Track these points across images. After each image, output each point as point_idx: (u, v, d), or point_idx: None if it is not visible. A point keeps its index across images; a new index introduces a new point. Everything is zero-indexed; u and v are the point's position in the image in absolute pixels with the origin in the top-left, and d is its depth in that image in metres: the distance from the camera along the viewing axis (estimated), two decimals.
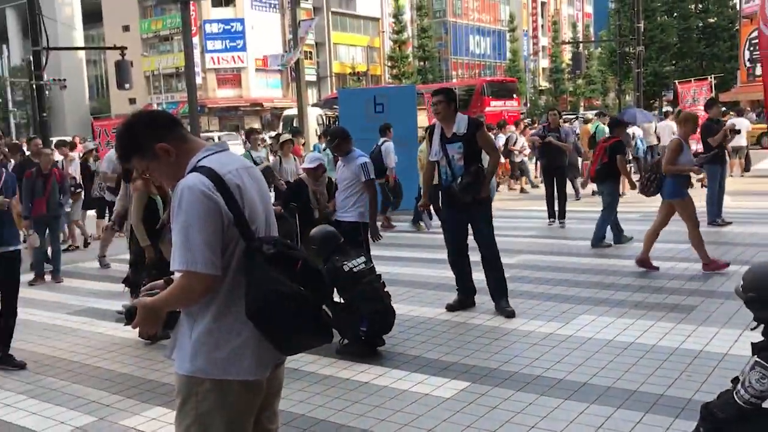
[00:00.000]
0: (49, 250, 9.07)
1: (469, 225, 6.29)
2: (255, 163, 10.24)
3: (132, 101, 53.45)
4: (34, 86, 17.22)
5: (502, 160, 15.76)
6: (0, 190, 5.19)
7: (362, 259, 5.28)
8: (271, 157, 12.17)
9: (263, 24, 56.40)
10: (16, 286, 5.48)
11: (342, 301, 5.17)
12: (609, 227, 9.12)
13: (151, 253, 5.93)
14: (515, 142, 16.87)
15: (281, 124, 34.17)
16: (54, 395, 4.80)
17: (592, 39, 75.85)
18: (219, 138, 30.60)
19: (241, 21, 55.40)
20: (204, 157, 2.42)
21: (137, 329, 2.48)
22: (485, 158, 6.29)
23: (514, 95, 33.55)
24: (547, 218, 11.25)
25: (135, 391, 4.77)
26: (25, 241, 8.48)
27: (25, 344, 5.97)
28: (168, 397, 4.55)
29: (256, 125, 52.79)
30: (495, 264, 6.24)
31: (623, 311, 6.04)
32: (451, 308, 6.35)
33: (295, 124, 29.23)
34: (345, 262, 5.13)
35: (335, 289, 5.08)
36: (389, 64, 60.74)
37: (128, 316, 2.50)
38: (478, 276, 6.41)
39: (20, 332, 5.84)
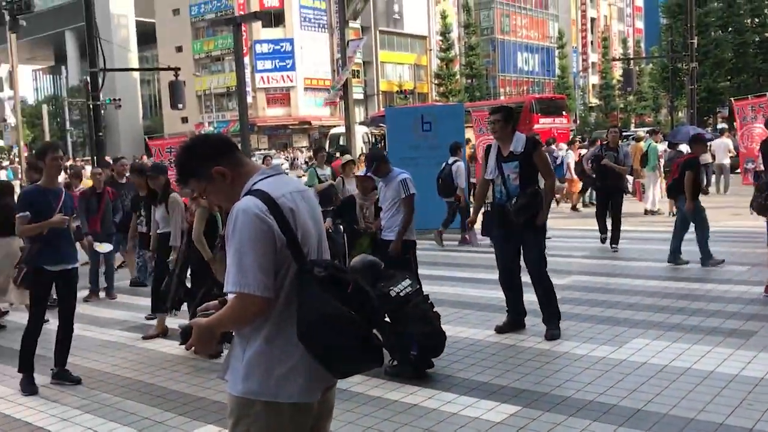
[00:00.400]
0: (103, 268, 9.27)
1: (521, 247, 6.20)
2: (320, 180, 10.34)
3: (184, 120, 54.71)
4: (91, 106, 17.75)
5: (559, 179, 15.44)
6: (59, 209, 5.34)
7: (407, 281, 5.25)
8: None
9: (312, 44, 57.24)
10: (73, 303, 5.63)
11: (391, 324, 5.15)
12: (674, 244, 8.89)
13: (216, 265, 5.99)
14: (564, 160, 16.70)
15: (327, 142, 34.51)
16: (108, 411, 4.89)
17: (644, 55, 74.74)
18: (267, 158, 30.92)
19: (291, 41, 56.34)
20: (259, 180, 2.46)
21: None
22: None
23: (564, 112, 33.23)
24: (599, 234, 10.71)
25: (186, 409, 4.83)
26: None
27: (80, 360, 6.11)
28: (218, 415, 4.59)
29: (304, 143, 53.49)
30: (543, 283, 6.13)
31: (678, 335, 5.87)
32: (500, 330, 6.27)
33: (341, 143, 29.49)
34: (391, 288, 5.11)
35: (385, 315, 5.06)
36: (436, 81, 60.89)
37: (183, 335, 2.54)
38: (531, 297, 6.31)
39: (75, 348, 5.97)
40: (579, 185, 16.54)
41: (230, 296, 2.38)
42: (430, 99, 62.03)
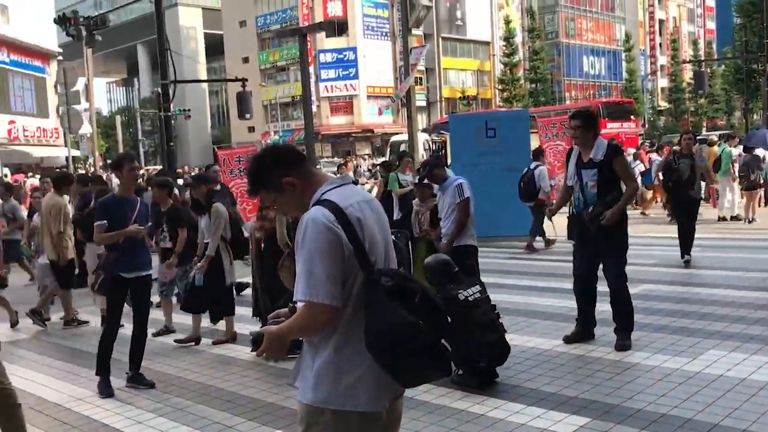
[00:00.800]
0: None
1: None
2: (400, 185, 10.39)
3: (251, 129, 55.82)
4: (162, 117, 18.29)
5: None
6: (135, 218, 5.53)
7: (477, 288, 5.22)
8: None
9: (375, 52, 57.63)
10: (147, 309, 5.82)
11: (457, 330, 5.12)
12: None
13: (283, 272, 6.09)
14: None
15: (388, 149, 34.64)
16: (180, 415, 5.03)
17: (715, 56, 72.36)
18: (341, 167, 31.18)
19: (354, 50, 56.86)
20: (327, 190, 2.49)
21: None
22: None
23: (632, 116, 32.49)
24: (680, 256, 9.76)
25: (255, 414, 4.91)
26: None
27: (154, 364, 6.30)
28: (286, 420, 4.66)
29: (367, 151, 53.82)
30: (620, 296, 5.97)
31: (757, 347, 5.64)
32: (568, 340, 6.14)
33: (402, 149, 29.55)
34: (460, 291, 5.09)
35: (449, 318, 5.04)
36: (500, 87, 60.43)
37: (254, 342, 2.59)
38: (601, 307, 6.17)
39: (149, 353, 6.16)
40: (650, 193, 16.28)
41: (299, 305, 2.42)
42: (493, 105, 61.58)
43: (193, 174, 21.73)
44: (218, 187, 10.04)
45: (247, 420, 4.80)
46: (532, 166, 11.85)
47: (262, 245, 6.69)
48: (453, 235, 6.49)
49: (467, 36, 65.85)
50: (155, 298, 8.31)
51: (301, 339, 2.51)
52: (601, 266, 6.08)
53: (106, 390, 5.54)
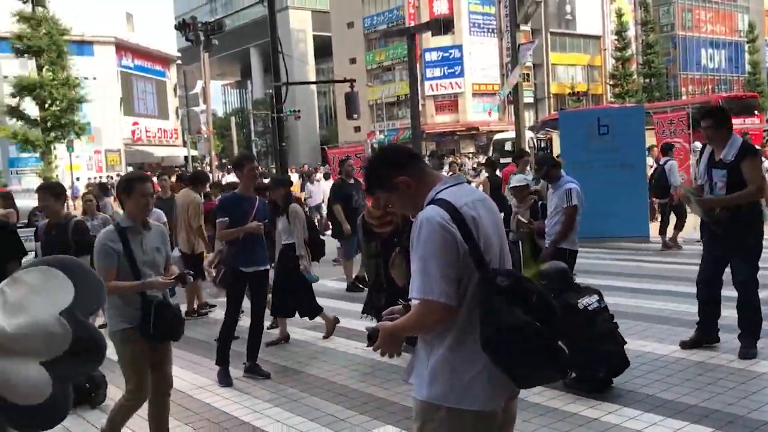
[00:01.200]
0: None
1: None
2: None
3: (357, 129, 56.71)
4: (275, 118, 18.90)
5: None
6: (254, 216, 5.77)
7: (596, 297, 5.10)
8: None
9: (480, 49, 57.17)
10: (264, 303, 6.06)
11: (575, 338, 5.02)
12: None
13: (394, 269, 6.17)
14: None
15: (491, 148, 34.24)
16: (295, 406, 5.20)
17: None
18: (453, 164, 31.16)
19: (459, 47, 56.62)
20: (442, 189, 2.51)
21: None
22: None
23: (756, 111, 30.59)
24: None
25: (367, 408, 5.01)
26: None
27: (269, 356, 6.54)
28: (397, 416, 4.73)
29: (471, 149, 53.45)
30: (749, 303, 5.64)
31: None
32: (685, 345, 5.89)
33: (507, 148, 29.13)
34: (579, 300, 4.99)
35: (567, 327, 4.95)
36: (611, 82, 58.50)
37: (369, 338, 2.66)
38: (725, 312, 5.87)
39: (264, 345, 6.41)
40: None
41: (414, 302, 2.46)
42: (604, 101, 59.67)
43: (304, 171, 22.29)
44: (352, 181, 10.26)
45: (359, 413, 4.91)
46: (662, 161, 11.78)
47: (375, 243, 6.78)
48: (557, 240, 6.47)
49: (577, 30, 64.12)
50: None
51: (415, 336, 2.55)
52: (729, 270, 5.78)
53: (225, 379, 5.80)
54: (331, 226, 11.03)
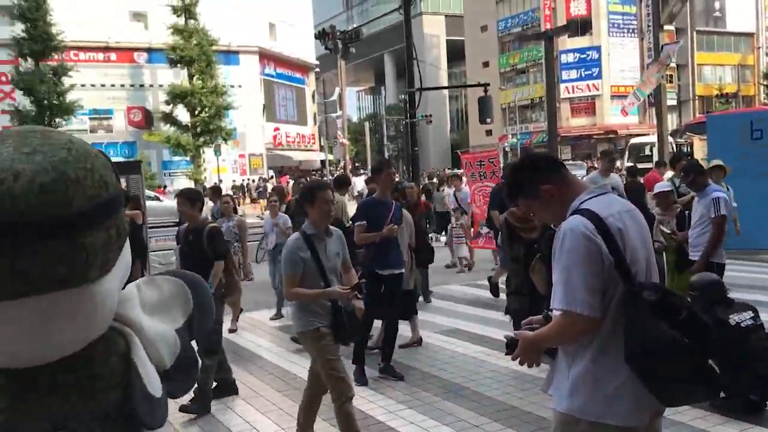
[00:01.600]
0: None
1: None
2: (678, 192, 9.80)
3: (488, 133, 56.19)
4: (407, 123, 19.16)
5: None
6: (390, 219, 5.91)
7: (750, 313, 4.79)
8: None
9: (620, 50, 55.07)
10: (399, 304, 6.18)
11: (726, 357, 4.74)
12: None
13: (534, 275, 6.11)
14: None
15: (627, 153, 32.76)
16: (428, 409, 5.26)
17: None
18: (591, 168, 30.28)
19: (597, 48, 54.81)
20: (586, 199, 2.48)
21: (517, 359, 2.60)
22: None
23: None
24: None
25: (501, 416, 4.98)
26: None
27: (402, 358, 6.64)
28: (531, 426, 4.68)
29: None
30: None
31: None
32: None
33: (644, 153, 27.75)
34: (731, 316, 4.72)
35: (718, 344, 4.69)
36: (765, 83, 54.44)
37: (508, 346, 2.67)
38: None
39: (398, 347, 6.52)
40: None
41: (556, 313, 2.44)
42: (757, 102, 55.65)
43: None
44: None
45: (492, 421, 4.89)
46: None
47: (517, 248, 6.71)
48: (708, 253, 6.11)
49: (727, 28, 60.21)
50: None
51: (555, 347, 2.53)
52: None
53: (361, 378, 5.96)
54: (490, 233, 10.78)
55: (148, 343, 1.51)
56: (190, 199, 5.90)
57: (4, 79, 32.02)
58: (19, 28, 29.73)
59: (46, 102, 29.27)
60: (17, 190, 1.16)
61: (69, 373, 1.39)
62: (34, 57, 29.88)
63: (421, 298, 8.86)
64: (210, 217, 11.94)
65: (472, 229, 12.03)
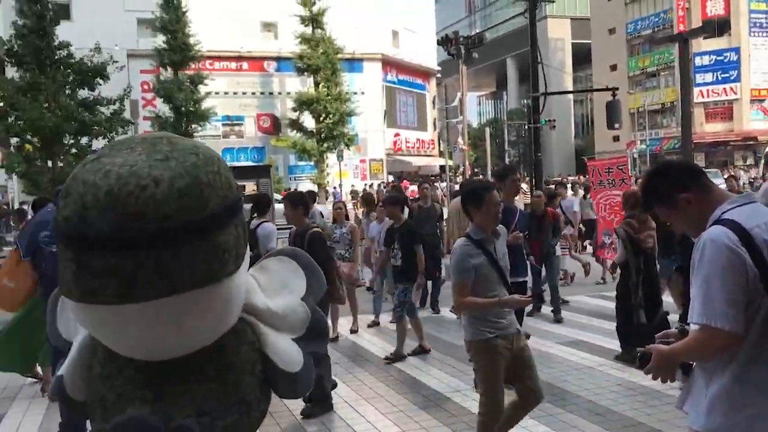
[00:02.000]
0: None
1: None
2: None
3: (615, 139, 54.27)
4: (530, 128, 18.86)
5: None
6: (515, 227, 5.84)
7: None
8: None
9: (762, 52, 51.64)
10: (520, 314, 6.09)
11: None
12: None
13: (670, 289, 5.91)
14: None
15: (762, 162, 30.54)
16: (551, 420, 5.16)
17: None
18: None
19: (736, 50, 51.65)
20: (729, 209, 2.37)
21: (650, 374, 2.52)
22: None
23: None
24: None
25: (627, 431, 4.83)
26: None
27: None
28: None
29: (749, 161, 48.36)
30: None
31: None
32: None
33: None
34: None
35: None
36: None
37: (641, 359, 2.59)
38: None
39: None
40: None
41: (693, 327, 2.34)
42: None
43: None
44: None
45: None
46: None
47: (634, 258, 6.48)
48: None
49: None
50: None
51: (689, 363, 2.44)
52: None
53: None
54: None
55: (280, 320, 1.63)
56: (292, 201, 6.04)
57: (146, 87, 34.33)
58: (160, 40, 31.81)
59: (183, 109, 31.12)
60: (159, 195, 1.26)
61: (205, 364, 1.51)
62: (173, 66, 31.89)
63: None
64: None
65: (588, 240, 11.58)
